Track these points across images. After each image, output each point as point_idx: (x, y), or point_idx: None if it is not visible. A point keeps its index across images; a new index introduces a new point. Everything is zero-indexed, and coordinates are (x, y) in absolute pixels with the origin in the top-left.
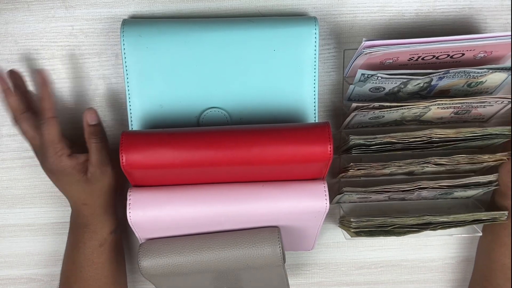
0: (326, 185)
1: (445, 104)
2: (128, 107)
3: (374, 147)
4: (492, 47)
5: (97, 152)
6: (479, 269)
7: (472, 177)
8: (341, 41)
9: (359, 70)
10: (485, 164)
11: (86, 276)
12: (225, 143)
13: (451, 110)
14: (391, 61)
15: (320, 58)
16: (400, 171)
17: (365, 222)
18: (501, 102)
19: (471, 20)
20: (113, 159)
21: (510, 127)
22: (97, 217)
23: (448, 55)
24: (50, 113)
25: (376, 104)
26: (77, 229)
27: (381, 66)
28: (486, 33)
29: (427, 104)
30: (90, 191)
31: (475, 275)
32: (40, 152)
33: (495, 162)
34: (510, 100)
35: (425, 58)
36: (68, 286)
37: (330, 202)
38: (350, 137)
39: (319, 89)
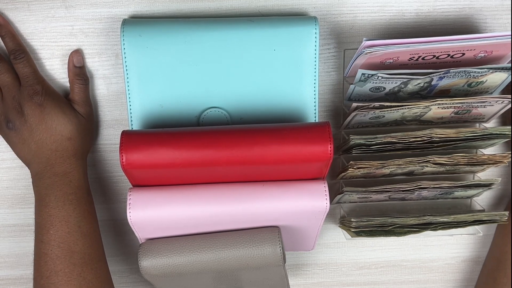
0: (326, 185)
1: (446, 104)
2: (128, 107)
3: (374, 147)
4: (492, 46)
5: (80, 93)
6: (491, 260)
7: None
8: (341, 41)
9: (359, 70)
10: (485, 165)
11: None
12: (225, 143)
13: (452, 110)
14: (391, 61)
15: (320, 58)
16: (399, 170)
17: (366, 222)
18: (502, 102)
19: (471, 20)
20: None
21: (510, 127)
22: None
23: (449, 54)
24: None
25: (377, 104)
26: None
27: (382, 66)
28: (486, 33)
29: (427, 104)
30: (76, 123)
31: (488, 265)
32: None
33: (495, 162)
34: (510, 100)
35: (425, 58)
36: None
37: (331, 202)
38: (351, 137)
39: (319, 89)
